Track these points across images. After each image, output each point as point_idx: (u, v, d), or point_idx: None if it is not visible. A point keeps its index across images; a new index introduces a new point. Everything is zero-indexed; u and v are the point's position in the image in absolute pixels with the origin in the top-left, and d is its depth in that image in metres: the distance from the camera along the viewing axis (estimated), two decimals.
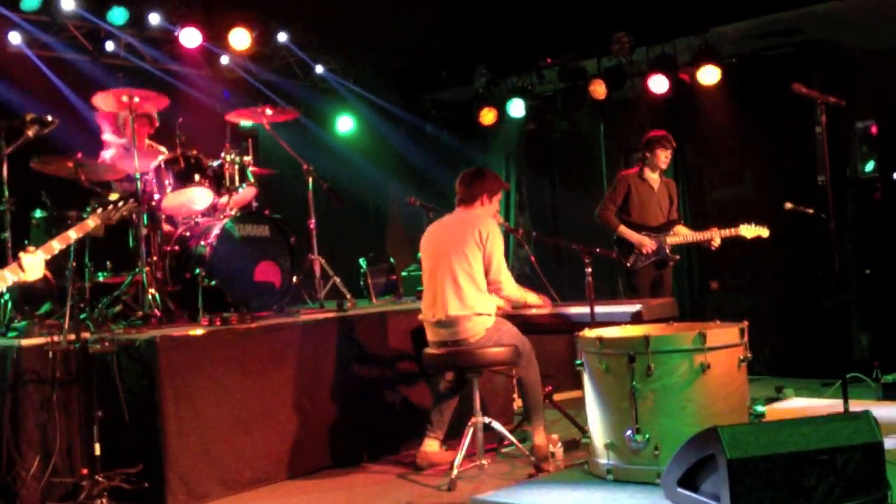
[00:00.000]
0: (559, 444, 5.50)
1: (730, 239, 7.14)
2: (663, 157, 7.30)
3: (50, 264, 5.89)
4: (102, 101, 6.56)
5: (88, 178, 6.09)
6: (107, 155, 6.91)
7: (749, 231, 7.04)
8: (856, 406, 5.17)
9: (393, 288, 7.73)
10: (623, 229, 7.19)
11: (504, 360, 5.65)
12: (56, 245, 4.32)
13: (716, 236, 7.12)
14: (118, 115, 6.88)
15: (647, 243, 7.15)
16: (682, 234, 7.27)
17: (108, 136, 7.04)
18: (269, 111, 7.14)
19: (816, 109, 5.68)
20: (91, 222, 4.52)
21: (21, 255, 4.16)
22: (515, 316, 5.96)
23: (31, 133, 4.90)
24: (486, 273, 5.65)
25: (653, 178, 7.35)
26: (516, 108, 9.69)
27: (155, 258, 6.33)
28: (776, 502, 3.91)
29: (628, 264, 7.20)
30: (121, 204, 4.61)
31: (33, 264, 4.16)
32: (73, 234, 4.40)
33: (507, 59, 9.58)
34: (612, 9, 8.28)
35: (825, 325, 7.43)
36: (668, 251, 7.22)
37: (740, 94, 8.71)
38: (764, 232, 7.02)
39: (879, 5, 7.61)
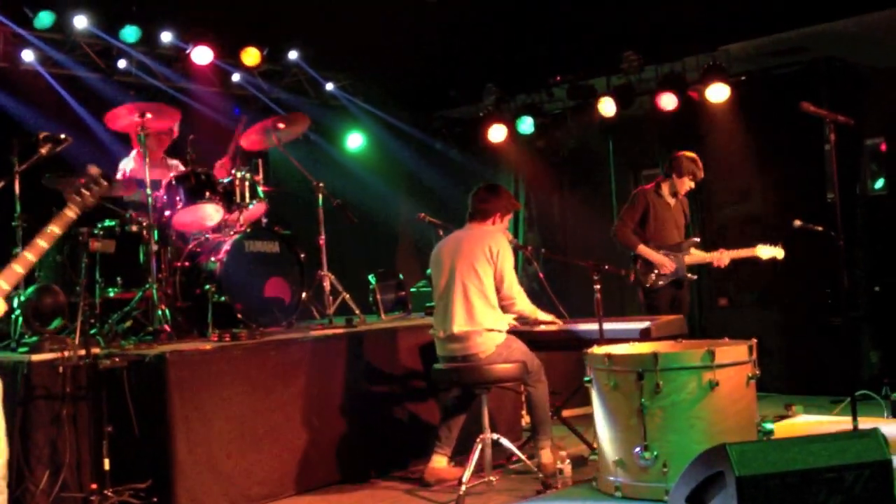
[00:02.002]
0: (567, 460, 5.50)
1: (742, 259, 7.00)
2: (690, 184, 7.11)
3: (61, 280, 6.00)
4: (117, 119, 6.57)
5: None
6: (125, 165, 6.96)
7: (765, 252, 6.84)
8: (865, 423, 5.16)
9: (402, 304, 7.73)
10: (643, 248, 6.97)
11: (512, 376, 5.64)
12: (29, 257, 4.00)
13: (725, 257, 6.94)
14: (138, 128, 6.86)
15: (668, 263, 6.93)
16: (696, 253, 7.07)
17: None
18: (280, 125, 7.15)
19: (825, 127, 5.69)
20: (56, 228, 4.07)
21: None
22: (523, 332, 5.95)
23: (44, 151, 4.95)
24: (498, 289, 5.66)
25: (669, 195, 7.17)
26: (525, 125, 9.74)
27: (165, 274, 6.36)
28: None
29: (647, 284, 6.99)
30: (86, 190, 4.15)
31: None
32: (42, 243, 4.03)
33: (517, 77, 9.63)
34: (622, 27, 8.31)
35: (834, 343, 7.40)
36: (685, 270, 7.04)
37: (749, 112, 8.69)
38: (779, 253, 6.82)
39: (889, 23, 7.62)
